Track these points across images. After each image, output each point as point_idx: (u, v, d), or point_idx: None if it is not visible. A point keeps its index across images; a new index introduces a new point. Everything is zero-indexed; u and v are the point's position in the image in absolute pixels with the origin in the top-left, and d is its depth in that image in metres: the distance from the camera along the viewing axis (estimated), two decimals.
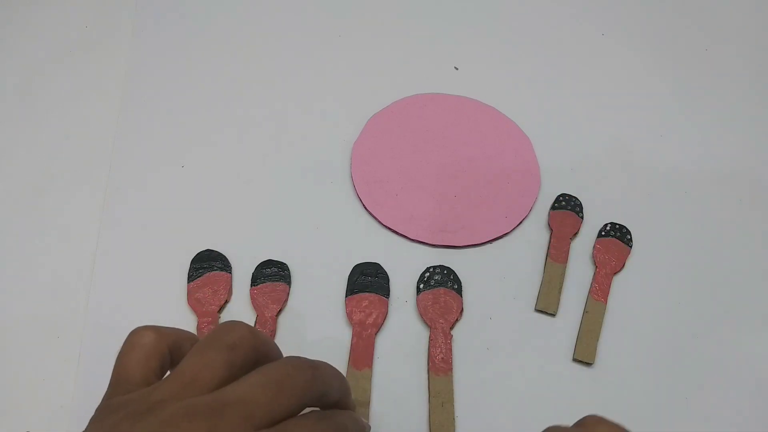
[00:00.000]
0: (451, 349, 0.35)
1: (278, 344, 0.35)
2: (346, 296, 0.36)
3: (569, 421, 0.32)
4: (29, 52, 0.47)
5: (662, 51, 0.49)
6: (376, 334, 0.35)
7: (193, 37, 0.48)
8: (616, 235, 0.39)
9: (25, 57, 0.46)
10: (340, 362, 0.34)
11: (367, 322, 0.35)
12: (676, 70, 0.48)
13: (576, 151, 0.44)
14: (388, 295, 0.36)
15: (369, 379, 0.34)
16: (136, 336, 0.24)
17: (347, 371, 0.34)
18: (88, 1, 0.49)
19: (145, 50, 0.47)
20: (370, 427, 0.31)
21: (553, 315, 0.37)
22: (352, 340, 0.35)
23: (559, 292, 0.37)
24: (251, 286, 0.36)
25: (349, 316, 0.36)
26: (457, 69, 0.47)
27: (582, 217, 0.40)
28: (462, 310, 0.36)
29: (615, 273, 0.38)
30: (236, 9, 0.49)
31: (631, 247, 0.39)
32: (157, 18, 0.49)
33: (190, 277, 0.36)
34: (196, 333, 0.35)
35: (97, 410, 0.23)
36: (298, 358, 0.23)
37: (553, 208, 0.40)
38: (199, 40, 0.48)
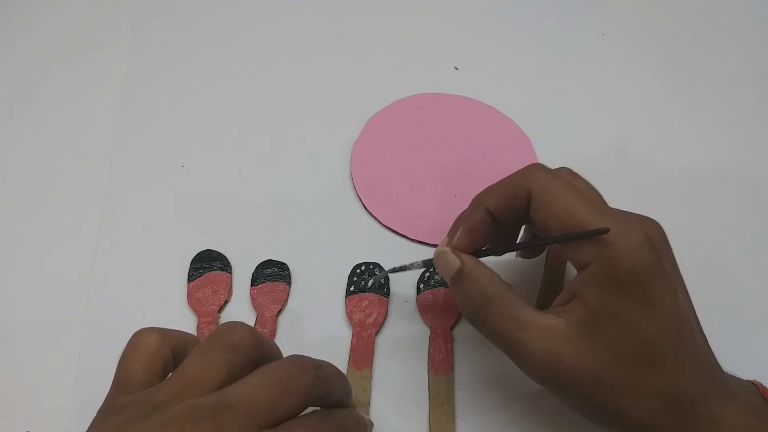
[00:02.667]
0: (451, 349, 0.35)
1: (278, 344, 0.35)
2: (346, 296, 0.36)
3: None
4: (29, 52, 0.47)
5: (662, 51, 0.49)
6: (376, 334, 0.35)
7: (193, 37, 0.48)
8: None
9: (25, 57, 0.46)
10: (340, 362, 0.34)
11: (367, 322, 0.35)
12: (676, 70, 0.48)
13: (576, 151, 0.44)
14: (388, 295, 0.36)
15: (369, 379, 0.34)
16: (139, 337, 0.24)
17: (347, 371, 0.34)
18: (88, 1, 0.49)
19: (145, 50, 0.47)
20: (372, 424, 0.31)
21: None
22: (352, 340, 0.35)
23: (559, 292, 0.37)
24: (251, 286, 0.36)
25: (349, 316, 0.36)
26: (457, 69, 0.47)
27: None
28: None
29: None
30: (236, 9, 0.49)
31: None
32: (157, 18, 0.49)
33: (190, 277, 0.36)
34: (196, 333, 0.35)
35: (99, 411, 0.23)
36: (301, 357, 0.23)
37: None
38: (199, 40, 0.48)
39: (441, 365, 0.34)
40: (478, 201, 0.30)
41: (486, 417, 0.33)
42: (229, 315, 0.36)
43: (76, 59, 0.46)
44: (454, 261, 0.29)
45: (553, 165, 0.42)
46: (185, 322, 0.35)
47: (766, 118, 0.46)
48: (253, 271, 0.37)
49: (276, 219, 0.39)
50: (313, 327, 0.36)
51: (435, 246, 0.39)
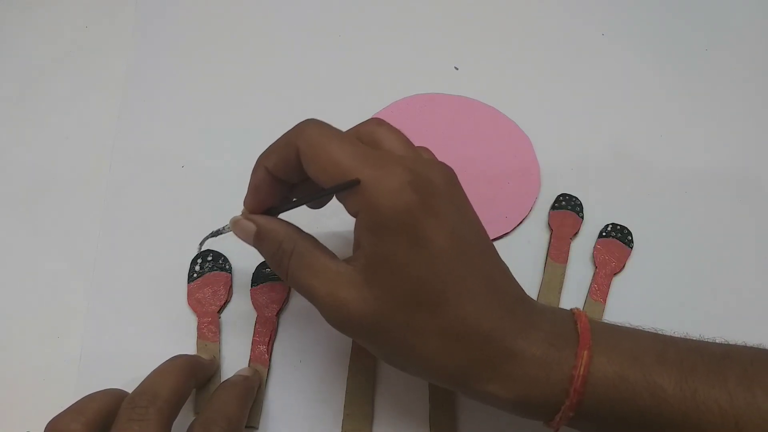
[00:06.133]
0: None
1: (279, 344, 0.35)
2: None
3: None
4: (29, 52, 0.46)
5: (662, 51, 0.49)
6: None
7: (193, 37, 0.48)
8: (617, 235, 0.39)
9: (25, 57, 0.46)
10: (342, 358, 0.34)
11: None
12: (676, 70, 0.48)
13: (576, 151, 0.44)
14: None
15: (372, 368, 0.34)
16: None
17: (350, 361, 0.34)
18: (88, 1, 0.49)
19: (145, 50, 0.47)
20: (214, 360, 0.34)
21: None
22: None
23: (559, 292, 0.37)
24: (251, 286, 0.36)
25: None
26: (457, 69, 0.47)
27: (582, 217, 0.40)
28: None
29: (615, 274, 0.38)
30: (236, 9, 0.49)
31: (631, 248, 0.39)
32: (157, 18, 0.49)
33: (190, 277, 0.36)
34: (196, 333, 0.35)
35: None
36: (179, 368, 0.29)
37: (553, 208, 0.40)
38: (199, 40, 0.48)
39: None
40: (258, 161, 0.30)
41: (486, 417, 0.33)
42: (229, 315, 0.36)
43: (76, 59, 0.46)
44: (248, 225, 0.30)
45: (553, 165, 0.42)
46: (185, 322, 0.35)
47: (766, 118, 0.46)
48: (253, 271, 0.37)
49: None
50: (314, 326, 0.36)
51: None
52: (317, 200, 0.32)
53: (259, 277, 0.37)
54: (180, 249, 0.38)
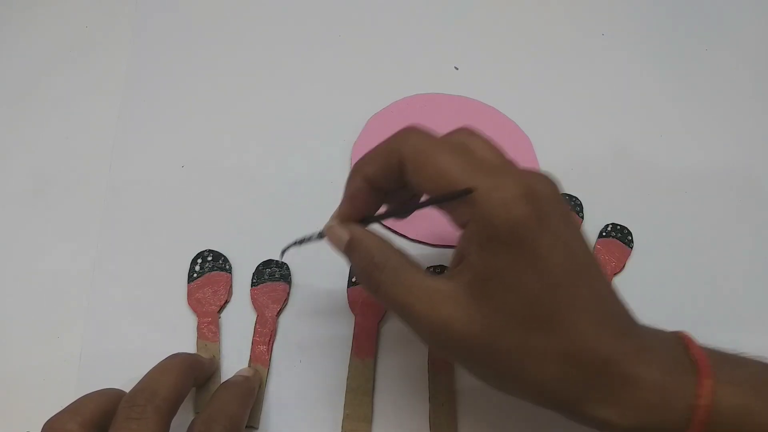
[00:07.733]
0: None
1: (279, 344, 0.35)
2: (348, 287, 0.36)
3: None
4: (29, 52, 0.46)
5: (662, 51, 0.49)
6: (378, 323, 0.35)
7: (193, 37, 0.48)
8: (617, 235, 0.39)
9: (25, 57, 0.46)
10: (342, 358, 0.34)
11: (369, 311, 0.35)
12: (676, 70, 0.48)
13: (576, 151, 0.44)
14: None
15: (372, 368, 0.34)
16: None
17: (350, 361, 0.34)
18: (88, 1, 0.49)
19: (145, 50, 0.47)
20: (214, 359, 0.34)
21: None
22: (354, 329, 0.35)
23: None
24: (251, 286, 0.36)
25: (352, 305, 0.36)
26: (457, 69, 0.47)
27: (582, 217, 0.40)
28: None
29: (615, 274, 0.38)
30: (236, 10, 0.49)
31: (631, 248, 0.39)
32: (157, 18, 0.49)
33: (190, 277, 0.36)
34: (196, 333, 0.35)
35: None
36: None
37: None
38: (199, 40, 0.48)
39: (441, 364, 0.34)
40: (355, 168, 0.29)
41: (487, 416, 0.33)
42: (229, 315, 0.36)
43: (76, 59, 0.46)
44: (343, 233, 0.29)
45: (553, 165, 0.42)
46: (185, 322, 0.35)
47: (766, 118, 0.46)
48: (253, 271, 0.37)
49: (276, 219, 0.39)
50: (314, 326, 0.36)
51: (435, 246, 0.39)
52: (405, 210, 0.31)
53: (259, 277, 0.37)
54: (180, 249, 0.38)
